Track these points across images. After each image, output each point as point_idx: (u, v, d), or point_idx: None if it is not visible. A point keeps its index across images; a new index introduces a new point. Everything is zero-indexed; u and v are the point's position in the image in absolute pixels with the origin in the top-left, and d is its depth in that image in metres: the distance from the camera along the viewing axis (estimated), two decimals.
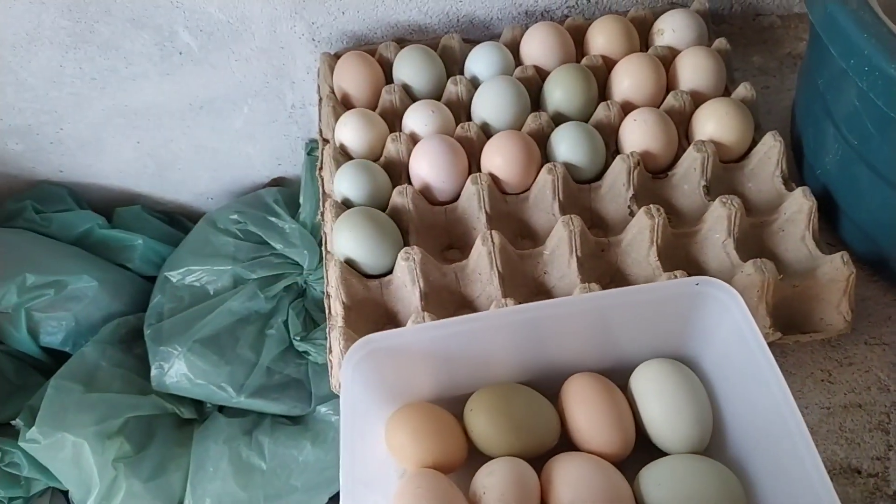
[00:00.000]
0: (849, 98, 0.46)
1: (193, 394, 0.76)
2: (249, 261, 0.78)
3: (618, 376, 0.44)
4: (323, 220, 0.56)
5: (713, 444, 0.42)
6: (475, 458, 0.43)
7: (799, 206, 0.50)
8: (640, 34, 0.63)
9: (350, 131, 0.59)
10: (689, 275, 0.50)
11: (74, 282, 0.77)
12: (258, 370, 0.76)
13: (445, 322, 0.42)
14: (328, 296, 0.53)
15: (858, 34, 0.39)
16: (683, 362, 0.44)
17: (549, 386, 0.45)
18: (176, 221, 0.87)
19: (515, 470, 0.41)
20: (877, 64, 0.38)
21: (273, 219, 0.79)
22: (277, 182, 0.85)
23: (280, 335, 0.78)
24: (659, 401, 0.42)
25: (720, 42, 0.61)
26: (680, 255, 0.52)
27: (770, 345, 0.47)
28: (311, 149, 0.79)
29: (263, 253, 0.79)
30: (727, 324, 0.40)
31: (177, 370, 0.74)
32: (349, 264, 0.52)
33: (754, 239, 0.52)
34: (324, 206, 0.56)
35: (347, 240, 0.52)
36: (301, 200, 0.79)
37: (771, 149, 0.53)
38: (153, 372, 0.75)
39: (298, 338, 0.78)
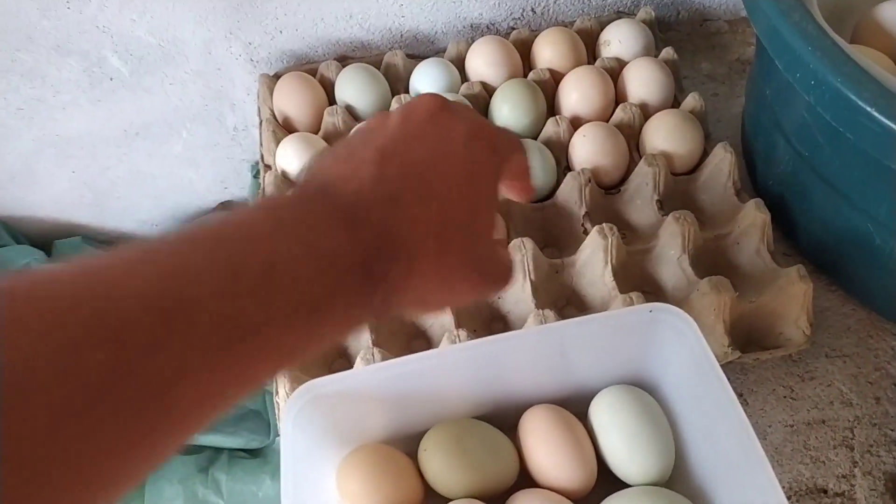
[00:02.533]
0: (797, 110, 0.45)
1: None
2: None
3: (577, 405, 0.43)
4: None
5: (675, 473, 0.40)
6: (432, 500, 0.42)
7: (752, 219, 0.49)
8: (587, 45, 0.62)
9: (292, 156, 0.56)
10: (646, 293, 0.49)
11: None
12: None
13: (395, 362, 0.40)
14: None
15: (803, 47, 0.38)
16: (643, 388, 0.42)
17: (506, 418, 0.43)
18: None
19: None
20: (822, 77, 0.37)
21: None
22: (225, 206, 0.82)
23: None
24: (619, 431, 0.41)
25: (667, 52, 0.60)
26: (636, 274, 0.51)
27: (730, 363, 0.46)
28: (258, 171, 0.76)
29: None
30: (683, 349, 0.39)
31: None
32: None
33: (709, 253, 0.51)
34: None
35: None
36: None
37: (722, 160, 0.52)
38: None
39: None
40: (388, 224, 0.24)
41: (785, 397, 0.47)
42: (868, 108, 0.36)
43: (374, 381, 0.41)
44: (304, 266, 0.21)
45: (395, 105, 0.59)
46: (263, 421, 0.77)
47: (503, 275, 0.29)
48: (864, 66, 0.37)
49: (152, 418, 0.17)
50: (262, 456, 0.76)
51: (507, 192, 0.32)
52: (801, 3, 0.40)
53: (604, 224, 0.49)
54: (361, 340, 0.49)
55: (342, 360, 0.51)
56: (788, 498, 0.44)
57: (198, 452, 0.74)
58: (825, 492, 0.44)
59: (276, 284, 0.20)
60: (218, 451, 0.75)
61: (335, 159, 0.26)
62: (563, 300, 0.51)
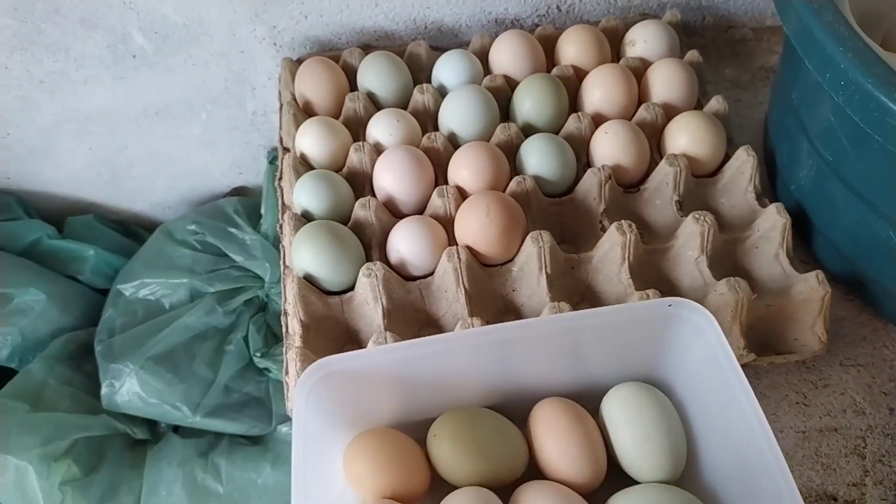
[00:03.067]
0: (823, 113, 0.45)
1: (146, 413, 0.72)
2: (207, 273, 0.75)
3: (589, 400, 0.42)
4: (282, 233, 0.53)
5: (687, 472, 0.40)
6: (439, 487, 0.41)
7: (772, 223, 0.49)
8: (612, 44, 0.62)
9: (311, 140, 0.56)
10: (662, 293, 0.49)
11: (21, 294, 0.73)
12: (215, 388, 0.72)
13: (407, 344, 0.40)
14: (286, 313, 0.50)
15: (834, 47, 0.38)
16: (656, 386, 0.42)
17: (516, 410, 0.43)
18: (131, 232, 0.83)
19: (481, 500, 0.39)
20: (853, 78, 0.37)
21: (233, 230, 0.76)
22: (238, 191, 0.82)
23: (239, 351, 0.74)
24: (630, 427, 0.40)
25: (692, 54, 0.60)
26: (652, 272, 0.50)
27: (744, 366, 0.46)
28: (273, 157, 0.76)
29: (222, 265, 0.76)
30: (701, 346, 0.39)
31: (128, 388, 0.71)
32: (308, 280, 0.50)
33: (727, 256, 0.51)
34: (282, 218, 0.54)
35: (307, 254, 0.49)
36: (262, 211, 0.76)
37: (744, 164, 0.52)
38: (103, 390, 0.71)
39: (259, 354, 0.75)
40: None
41: (798, 403, 0.47)
42: None
43: (386, 362, 0.40)
44: None
45: (416, 94, 0.58)
46: (266, 408, 0.77)
47: None
48: (894, 68, 0.37)
49: None
50: (262, 444, 0.76)
51: None
52: (833, 4, 0.40)
53: (622, 221, 0.49)
54: (373, 325, 0.49)
55: (353, 345, 0.50)
56: None
57: (199, 436, 0.74)
58: (835, 499, 0.43)
59: None
60: (219, 436, 0.74)
61: None
62: (578, 296, 0.51)
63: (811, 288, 0.46)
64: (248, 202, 0.79)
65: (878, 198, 0.43)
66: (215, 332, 0.74)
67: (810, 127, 0.47)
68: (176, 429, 0.76)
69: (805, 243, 0.53)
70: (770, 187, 0.56)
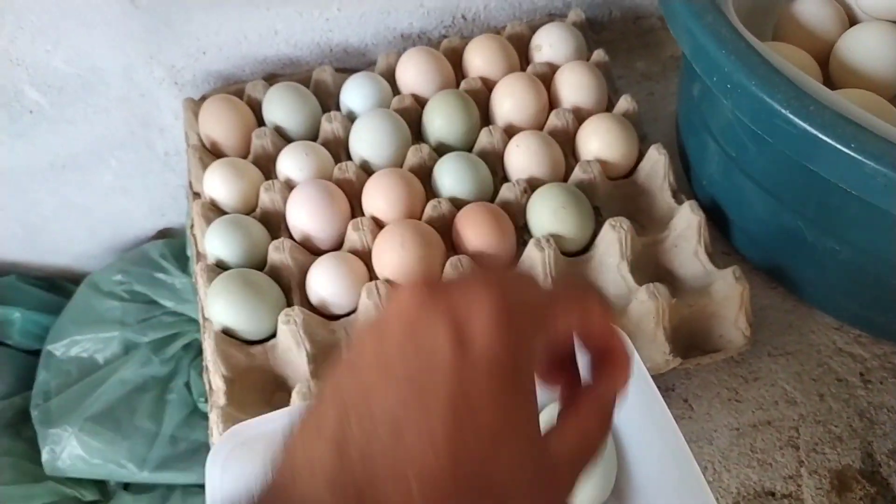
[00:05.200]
0: (722, 111, 0.45)
1: (92, 475, 0.70)
2: (139, 323, 0.73)
3: None
4: (196, 285, 0.52)
5: (616, 495, 0.40)
6: None
7: (688, 222, 0.49)
8: (519, 51, 0.61)
9: (219, 183, 0.54)
10: None
11: None
12: (160, 441, 0.70)
13: None
14: (206, 369, 0.48)
15: (717, 51, 0.38)
16: None
17: None
18: (57, 287, 0.80)
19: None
20: (738, 81, 0.37)
21: (161, 275, 0.74)
22: (164, 234, 0.79)
23: (182, 399, 0.72)
24: None
25: (598, 54, 0.59)
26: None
27: (674, 368, 0.46)
28: None
29: (154, 313, 0.74)
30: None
31: (70, 452, 0.68)
32: (227, 332, 0.48)
33: (649, 258, 0.51)
34: (196, 268, 0.52)
35: (223, 307, 0.48)
36: (189, 253, 0.74)
37: (656, 163, 0.52)
38: (44, 457, 0.69)
39: (203, 399, 0.73)
40: None
41: (730, 400, 0.47)
42: (784, 111, 0.35)
43: None
44: None
45: (325, 123, 0.57)
46: None
47: (569, 480, 0.21)
48: (779, 68, 0.37)
49: None
50: None
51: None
52: (716, 5, 0.40)
53: (540, 237, 0.48)
54: (300, 371, 0.47)
55: (282, 393, 0.49)
56: (737, 503, 0.43)
57: (150, 491, 0.72)
58: (773, 494, 0.44)
59: None
60: (171, 488, 0.72)
61: (307, 429, 0.19)
62: None
63: (729, 284, 0.46)
64: (174, 243, 0.77)
65: (783, 192, 0.43)
66: (154, 383, 0.72)
67: (712, 124, 0.47)
68: (126, 485, 0.74)
69: (725, 235, 0.53)
70: (686, 181, 0.56)
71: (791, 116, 0.35)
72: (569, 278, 0.21)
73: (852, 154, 0.34)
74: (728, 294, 0.46)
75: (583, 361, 0.24)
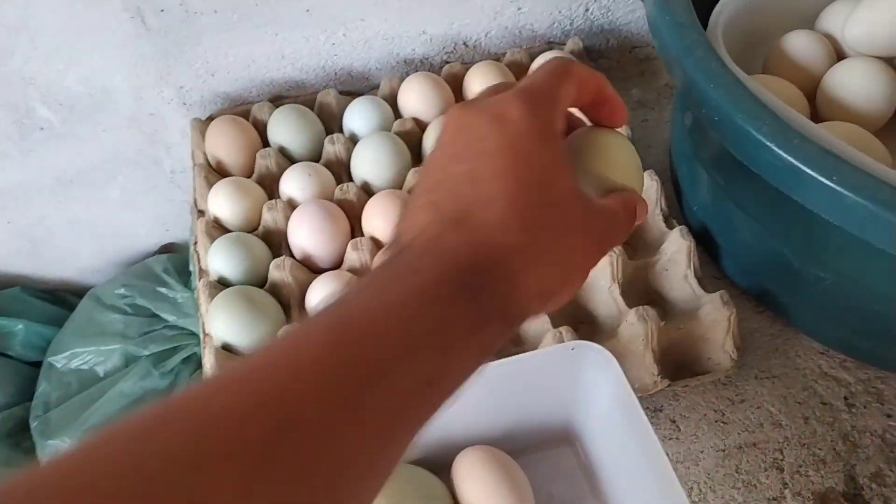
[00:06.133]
0: (712, 141, 0.46)
1: None
2: (140, 337, 0.74)
3: (511, 446, 0.43)
4: (198, 301, 0.53)
5: None
6: None
7: (678, 247, 0.50)
8: (518, 77, 0.63)
9: (224, 202, 0.56)
10: (582, 325, 0.50)
11: None
12: None
13: None
14: None
15: (706, 84, 0.39)
16: (571, 426, 0.43)
17: (439, 461, 0.43)
18: (61, 300, 0.81)
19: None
20: (726, 114, 0.38)
21: (163, 289, 0.75)
22: (167, 248, 0.81)
23: None
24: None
25: None
26: (568, 306, 0.51)
27: (661, 390, 0.47)
28: None
29: (155, 326, 0.75)
30: (606, 385, 0.40)
31: None
32: (227, 348, 0.49)
33: (640, 281, 0.52)
34: (198, 285, 0.53)
35: (224, 323, 0.49)
36: (191, 268, 0.75)
37: (648, 188, 0.53)
38: None
39: None
40: (462, 241, 0.23)
41: (716, 421, 0.48)
42: (769, 144, 0.37)
43: None
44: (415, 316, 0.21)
45: (327, 145, 0.59)
46: None
47: (615, 222, 0.27)
48: (765, 102, 0.38)
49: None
50: None
51: (591, 116, 0.29)
52: (705, 40, 0.42)
53: None
54: None
55: None
56: None
57: None
58: None
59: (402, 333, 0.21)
60: None
61: (410, 212, 0.25)
62: None
63: (717, 309, 0.47)
64: (177, 258, 0.78)
65: (769, 220, 0.45)
66: (154, 396, 0.73)
67: (702, 153, 0.48)
68: None
69: (714, 260, 0.54)
70: (678, 206, 0.58)
71: (775, 149, 0.36)
72: (549, 63, 0.27)
73: (834, 186, 0.35)
74: (716, 318, 0.47)
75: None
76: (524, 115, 0.24)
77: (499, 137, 0.24)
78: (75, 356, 0.73)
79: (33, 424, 0.72)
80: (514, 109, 0.25)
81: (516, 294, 0.23)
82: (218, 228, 0.56)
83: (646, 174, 0.54)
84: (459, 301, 0.21)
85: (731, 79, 0.39)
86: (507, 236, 0.23)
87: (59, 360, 0.74)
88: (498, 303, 0.22)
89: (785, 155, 0.36)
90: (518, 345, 0.51)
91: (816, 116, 0.48)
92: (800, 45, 0.49)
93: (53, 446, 0.69)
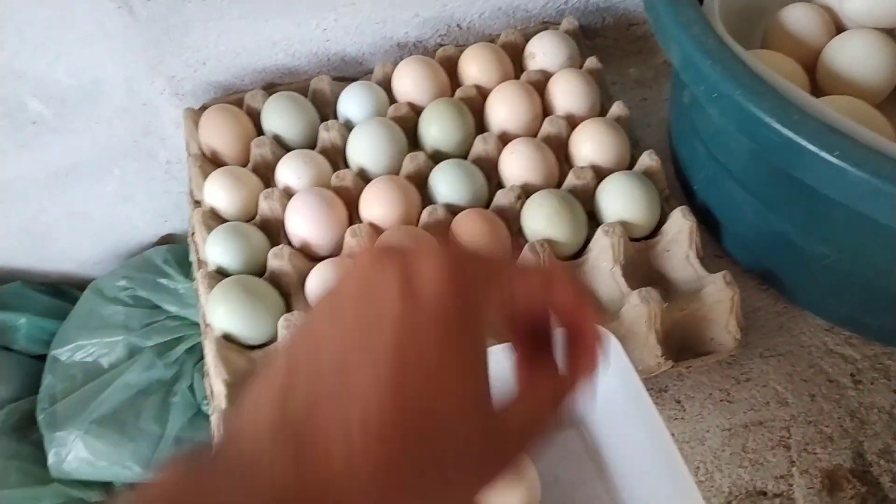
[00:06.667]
0: (711, 119, 0.45)
1: (98, 477, 0.71)
2: (143, 328, 0.74)
3: None
4: (198, 293, 0.53)
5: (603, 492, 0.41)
6: None
7: (679, 227, 0.49)
8: (513, 58, 0.62)
9: (220, 191, 0.55)
10: None
11: None
12: (165, 442, 0.72)
13: None
14: (207, 374, 0.49)
15: (704, 61, 0.38)
16: (575, 410, 0.42)
17: None
18: (63, 293, 0.81)
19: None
20: (724, 91, 0.38)
21: (164, 280, 0.75)
22: (167, 240, 0.80)
23: (186, 402, 0.73)
24: None
25: (591, 61, 0.60)
26: None
27: (666, 371, 0.47)
28: None
29: (157, 318, 0.75)
30: (609, 368, 0.39)
31: (75, 455, 0.70)
32: (228, 338, 0.49)
33: (642, 262, 0.52)
34: (197, 276, 0.53)
35: (224, 313, 0.49)
36: (191, 258, 0.75)
37: (648, 168, 0.53)
38: (50, 460, 0.70)
39: (207, 401, 0.74)
40: (293, 482, 0.18)
41: (722, 401, 0.48)
42: (768, 120, 0.36)
43: None
44: None
45: (322, 132, 0.58)
46: None
47: (517, 447, 0.21)
48: (764, 78, 0.37)
49: None
50: None
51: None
52: (702, 16, 0.41)
53: (535, 242, 0.49)
54: None
55: None
56: (729, 502, 0.44)
57: None
58: (765, 494, 0.44)
59: None
60: None
61: (260, 386, 0.20)
62: None
63: (719, 289, 0.46)
64: (177, 249, 0.78)
65: (771, 198, 0.44)
66: (158, 386, 0.73)
67: (702, 131, 0.48)
68: (132, 487, 0.75)
69: (716, 239, 0.53)
70: (679, 184, 0.57)
71: (776, 125, 0.36)
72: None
73: (836, 162, 0.35)
74: (719, 298, 0.47)
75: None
76: (440, 294, 0.19)
77: (396, 317, 0.19)
78: (79, 349, 0.73)
79: (40, 417, 0.72)
80: (432, 281, 0.19)
81: None
82: (215, 218, 0.55)
83: (646, 154, 0.53)
84: None
85: (729, 54, 0.38)
86: (350, 483, 0.17)
87: (63, 353, 0.74)
88: None
89: (786, 131, 0.36)
90: None
91: (817, 91, 0.48)
92: (798, 18, 0.48)
93: (61, 438, 0.70)
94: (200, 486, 0.17)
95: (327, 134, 0.58)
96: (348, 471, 0.18)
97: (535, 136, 0.57)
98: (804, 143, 0.35)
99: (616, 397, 0.40)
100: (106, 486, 0.75)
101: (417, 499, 0.19)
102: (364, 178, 0.56)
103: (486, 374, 0.20)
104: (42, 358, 0.77)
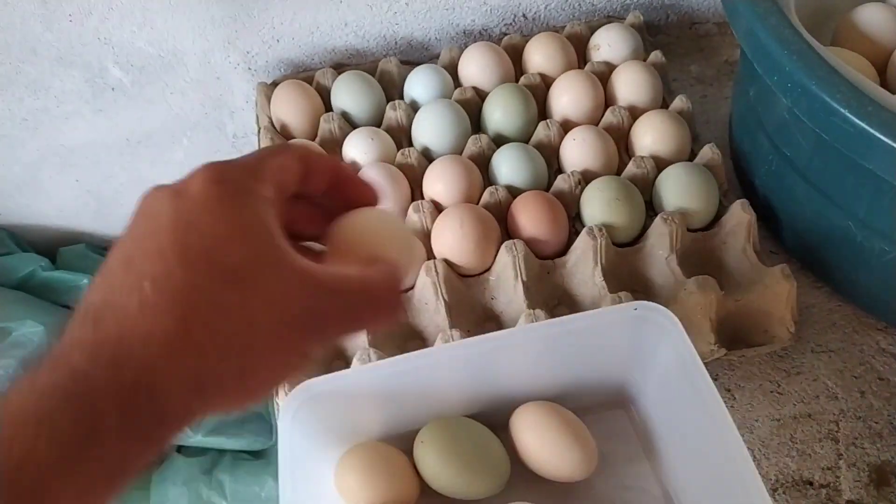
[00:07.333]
0: (779, 111, 0.46)
1: None
2: None
3: (567, 402, 0.44)
4: None
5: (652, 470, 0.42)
6: (427, 496, 0.43)
7: (738, 220, 0.50)
8: (577, 50, 0.63)
9: None
10: (635, 292, 0.50)
11: (18, 328, 0.75)
12: None
13: (387, 362, 0.42)
14: None
15: (779, 51, 0.39)
16: (626, 388, 0.44)
17: (497, 416, 0.44)
18: None
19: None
20: (798, 80, 0.38)
21: None
22: None
23: None
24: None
25: (655, 55, 0.61)
26: (625, 273, 0.52)
27: (717, 359, 0.48)
28: None
29: None
30: (667, 347, 0.40)
31: None
32: None
33: (697, 252, 0.52)
34: None
35: None
36: None
37: (710, 161, 0.54)
38: None
39: None
40: (97, 339, 0.20)
41: (772, 392, 0.49)
42: (842, 110, 0.37)
43: (369, 379, 0.42)
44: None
45: (389, 111, 0.60)
46: (266, 423, 0.79)
47: (336, 296, 0.23)
48: (838, 69, 0.38)
49: None
50: (264, 457, 0.78)
51: (342, 200, 0.27)
52: (779, 8, 0.42)
53: (593, 226, 0.50)
54: (358, 342, 0.50)
55: (340, 362, 0.52)
56: (775, 490, 0.45)
57: (202, 455, 0.75)
58: (811, 483, 0.45)
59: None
60: (221, 452, 0.76)
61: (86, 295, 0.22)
62: (555, 300, 0.53)
63: (777, 282, 0.47)
64: None
65: (835, 191, 0.45)
66: None
67: (768, 124, 0.48)
68: (179, 448, 0.77)
69: (773, 234, 0.54)
70: (738, 180, 0.58)
71: (849, 115, 0.36)
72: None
73: None
74: (776, 291, 0.47)
75: None
76: (204, 186, 0.22)
77: (169, 214, 0.21)
78: None
79: None
80: (196, 181, 0.22)
81: (160, 396, 0.20)
82: None
83: (707, 146, 0.54)
84: (77, 431, 0.19)
85: (804, 46, 0.39)
86: (149, 324, 0.20)
87: None
88: (133, 413, 0.19)
89: (859, 121, 0.36)
90: (573, 309, 0.52)
91: (887, 89, 0.48)
92: (871, 17, 0.49)
93: None
94: (24, 381, 0.19)
95: (394, 113, 0.60)
96: (142, 325, 0.20)
97: (596, 125, 0.58)
98: (877, 133, 0.36)
99: (672, 378, 0.41)
100: None
101: (220, 332, 0.20)
102: (427, 157, 0.58)
103: (272, 234, 0.22)
104: None
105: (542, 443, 0.42)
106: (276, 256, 0.22)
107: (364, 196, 0.27)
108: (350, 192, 0.27)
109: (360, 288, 0.24)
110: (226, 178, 0.22)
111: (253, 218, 0.22)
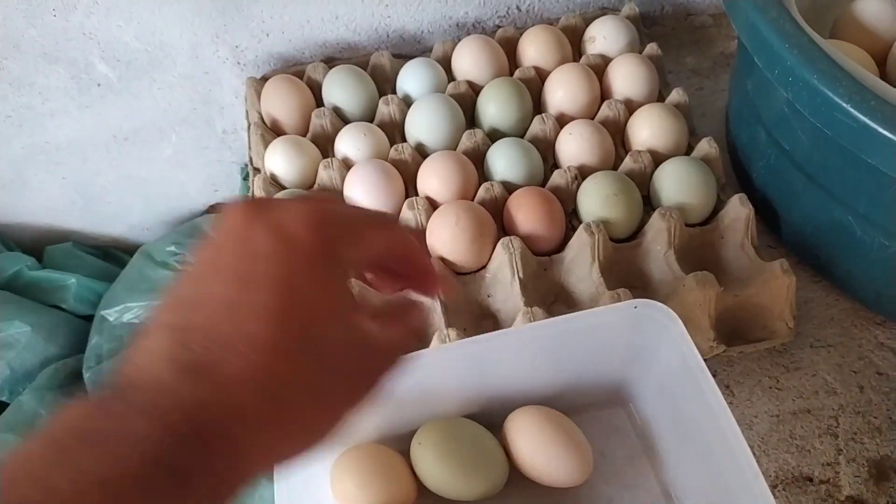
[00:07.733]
0: (777, 104, 0.46)
1: None
2: None
3: (564, 404, 0.44)
4: None
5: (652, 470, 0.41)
6: (424, 498, 0.42)
7: (736, 214, 0.50)
8: (572, 42, 0.62)
9: (280, 159, 0.56)
10: (633, 288, 0.50)
11: (5, 328, 0.73)
12: None
13: None
14: None
15: (780, 44, 0.39)
16: (625, 386, 0.43)
17: (494, 416, 0.44)
18: (111, 256, 0.83)
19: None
20: (799, 74, 0.38)
21: None
22: (215, 208, 0.82)
23: None
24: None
25: (651, 48, 0.60)
26: (623, 269, 0.51)
27: (716, 355, 0.47)
28: (247, 174, 0.77)
29: None
30: (667, 345, 0.40)
31: None
32: None
33: (696, 248, 0.52)
34: None
35: None
36: None
37: (706, 155, 0.53)
38: None
39: None
40: (196, 399, 0.20)
41: (771, 388, 0.48)
42: (843, 104, 0.36)
43: None
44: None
45: (382, 106, 0.59)
46: None
47: (384, 359, 0.25)
48: (839, 62, 0.38)
49: None
50: None
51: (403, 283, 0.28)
52: (779, 0, 0.41)
53: (590, 221, 0.50)
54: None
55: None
56: (775, 487, 0.45)
57: None
58: (811, 479, 0.45)
59: None
60: None
61: (154, 328, 0.22)
62: (552, 297, 0.52)
63: (776, 277, 0.47)
64: None
65: (835, 185, 0.44)
66: None
67: (766, 117, 0.48)
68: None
69: (771, 229, 0.54)
70: (735, 174, 0.57)
71: (851, 110, 0.36)
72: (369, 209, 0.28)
73: None
74: (775, 286, 0.47)
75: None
76: (307, 236, 0.22)
77: (275, 263, 0.22)
78: (127, 310, 0.75)
79: (86, 375, 0.74)
80: (298, 226, 0.22)
81: (238, 466, 0.20)
82: (275, 185, 0.57)
83: (704, 140, 0.53)
84: (165, 485, 0.18)
85: (805, 39, 0.39)
86: (249, 398, 0.20)
87: (111, 314, 0.75)
88: (213, 480, 0.20)
89: (861, 116, 0.36)
90: (571, 306, 0.51)
91: (887, 82, 0.47)
92: (870, 9, 0.48)
93: None
94: (106, 410, 0.19)
95: (387, 108, 0.59)
96: (241, 381, 0.20)
97: (592, 118, 0.57)
98: (879, 127, 0.35)
99: (672, 375, 0.40)
100: None
101: (305, 405, 0.22)
102: (422, 152, 0.57)
103: (351, 301, 0.24)
104: (90, 318, 0.79)
105: (536, 449, 0.41)
106: (355, 335, 0.23)
107: (424, 289, 0.29)
108: (414, 282, 0.29)
109: (403, 343, 0.26)
110: (329, 234, 0.23)
111: (342, 290, 0.23)
